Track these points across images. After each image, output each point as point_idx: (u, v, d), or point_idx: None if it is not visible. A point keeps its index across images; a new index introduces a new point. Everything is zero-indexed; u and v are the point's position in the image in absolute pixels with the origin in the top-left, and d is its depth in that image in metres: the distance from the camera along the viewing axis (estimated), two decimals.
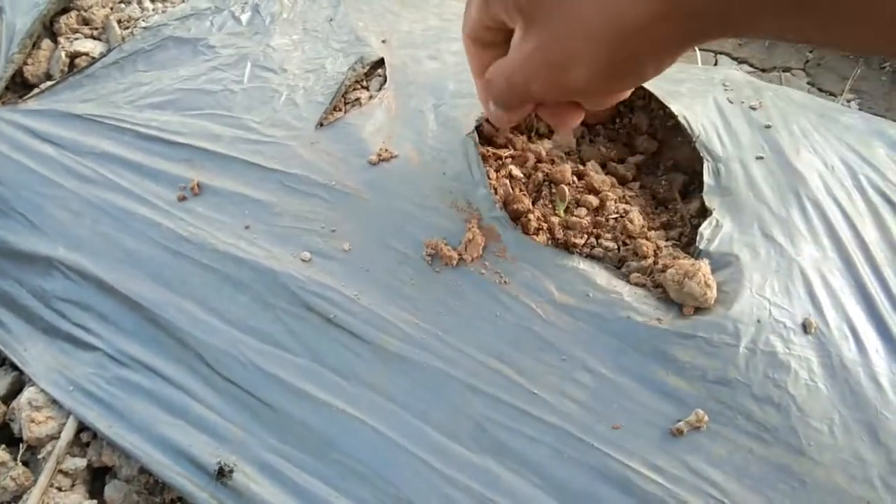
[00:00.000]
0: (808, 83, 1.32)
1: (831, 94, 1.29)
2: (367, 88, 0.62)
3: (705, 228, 0.49)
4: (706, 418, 0.42)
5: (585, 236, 0.51)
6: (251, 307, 0.51)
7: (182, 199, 0.56)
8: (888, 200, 0.50)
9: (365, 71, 0.63)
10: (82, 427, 0.53)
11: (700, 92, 0.56)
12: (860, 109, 1.28)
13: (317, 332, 0.49)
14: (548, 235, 0.52)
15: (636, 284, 0.47)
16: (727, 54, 1.36)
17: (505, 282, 0.49)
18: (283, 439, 0.48)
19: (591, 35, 0.31)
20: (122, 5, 0.73)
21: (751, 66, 1.35)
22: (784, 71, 1.33)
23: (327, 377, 0.48)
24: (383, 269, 0.51)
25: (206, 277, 0.53)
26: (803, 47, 1.35)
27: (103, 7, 0.73)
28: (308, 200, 0.54)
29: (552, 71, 0.34)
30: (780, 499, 0.41)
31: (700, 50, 1.38)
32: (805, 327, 0.44)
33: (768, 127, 0.53)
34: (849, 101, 1.29)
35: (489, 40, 0.40)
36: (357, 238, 0.52)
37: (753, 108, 0.54)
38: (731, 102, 0.56)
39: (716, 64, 1.33)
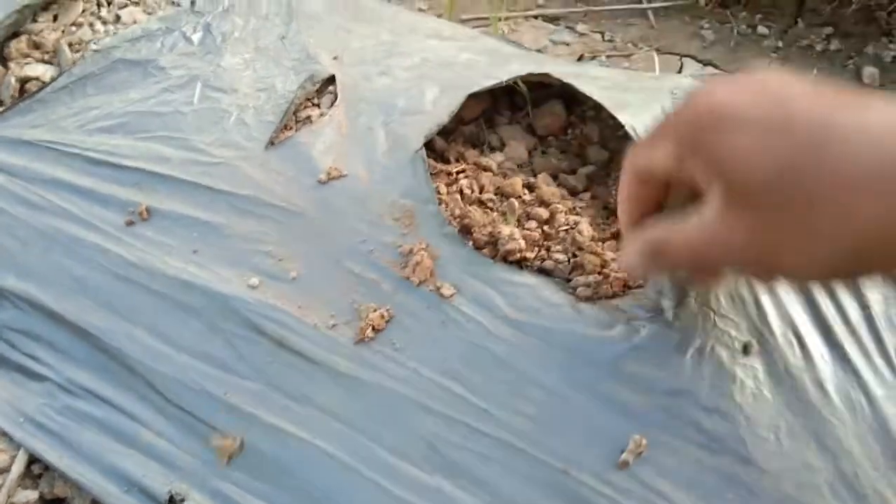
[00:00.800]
0: None
1: None
2: (318, 106, 0.62)
3: None
4: (644, 441, 0.42)
5: (536, 249, 0.51)
6: (201, 332, 0.51)
7: (130, 223, 0.56)
8: None
9: (316, 88, 0.62)
10: (34, 459, 0.52)
11: (648, 101, 0.56)
12: None
13: (268, 356, 0.49)
14: (497, 250, 0.52)
15: (585, 298, 0.47)
16: (692, 57, 1.37)
17: (454, 299, 0.49)
18: (235, 465, 0.47)
19: (835, 235, 0.28)
20: (74, 28, 0.72)
21: (715, 67, 1.36)
22: None
23: (279, 401, 0.48)
24: (334, 290, 0.51)
25: (156, 303, 0.52)
26: (768, 47, 1.36)
27: (54, 31, 0.73)
28: (258, 221, 0.54)
29: (765, 257, 0.31)
30: None
31: (665, 53, 1.39)
32: (746, 348, 0.44)
33: None
34: None
35: (657, 182, 0.37)
36: (308, 258, 0.52)
37: None
38: None
39: (681, 68, 1.34)
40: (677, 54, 1.40)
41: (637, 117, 0.56)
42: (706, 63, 1.38)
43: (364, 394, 0.47)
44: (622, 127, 0.56)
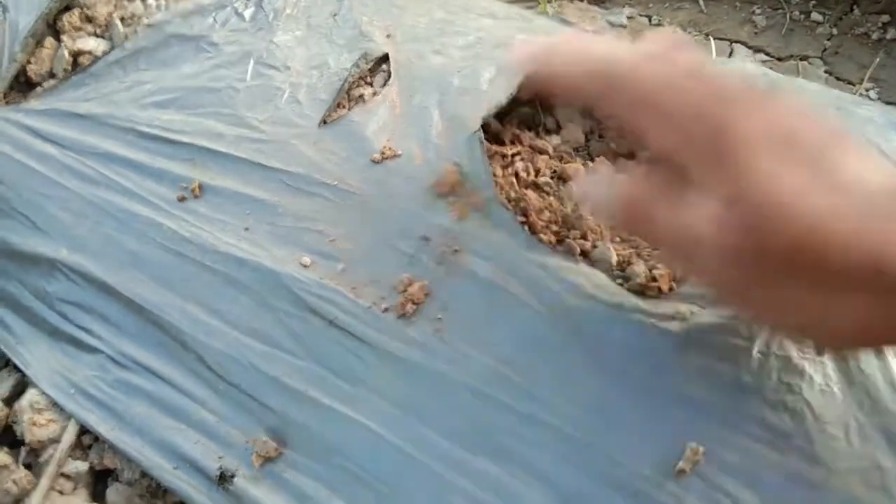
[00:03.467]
0: (826, 72, 1.29)
1: (849, 82, 1.26)
2: (371, 84, 0.61)
3: None
4: (701, 450, 0.41)
5: (593, 235, 0.50)
6: (253, 309, 0.50)
7: (182, 199, 0.56)
8: None
9: (369, 67, 0.62)
10: (84, 430, 0.52)
11: None
12: (879, 98, 1.25)
13: (319, 335, 0.49)
14: (554, 236, 0.50)
15: (636, 291, 0.46)
16: (743, 43, 1.33)
17: (508, 284, 0.48)
18: (286, 444, 0.47)
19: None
20: (126, 2, 0.72)
21: (767, 54, 1.32)
22: (801, 59, 1.31)
23: (330, 381, 0.48)
24: (386, 270, 0.50)
25: (208, 279, 0.52)
26: (822, 35, 1.31)
27: (107, 5, 0.73)
28: (310, 200, 0.54)
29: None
30: None
31: (715, 38, 1.35)
32: None
33: None
34: (867, 91, 1.26)
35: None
36: (360, 238, 0.51)
37: None
38: None
39: (731, 53, 1.31)
40: (728, 40, 1.37)
41: None
42: (757, 49, 1.35)
43: (416, 377, 0.46)
44: None
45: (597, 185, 0.41)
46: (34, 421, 0.52)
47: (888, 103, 1.25)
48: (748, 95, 0.32)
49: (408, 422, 0.46)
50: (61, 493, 0.50)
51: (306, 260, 0.51)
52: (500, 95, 0.55)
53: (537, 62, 0.39)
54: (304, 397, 0.47)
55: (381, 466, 0.45)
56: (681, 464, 0.40)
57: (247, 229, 0.53)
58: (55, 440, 0.52)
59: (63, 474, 0.51)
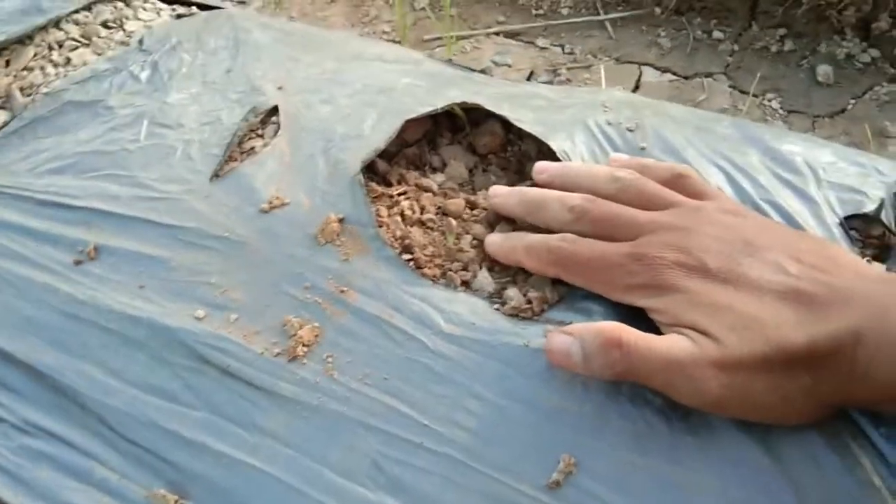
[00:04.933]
0: (730, 86, 1.36)
1: (754, 95, 1.33)
2: (262, 136, 0.63)
3: None
4: (573, 460, 0.43)
5: (473, 266, 0.53)
6: (149, 365, 0.52)
7: (78, 262, 0.57)
8: (756, 206, 0.52)
9: (260, 119, 0.64)
10: None
11: (581, 118, 0.58)
12: (781, 107, 1.32)
13: (214, 385, 0.50)
14: (438, 269, 0.53)
15: (510, 314, 0.49)
16: (650, 64, 1.40)
17: (393, 318, 0.50)
18: (186, 496, 0.48)
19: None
20: (25, 72, 0.74)
21: (674, 74, 1.38)
22: (706, 76, 1.37)
23: (226, 429, 0.49)
24: (277, 315, 0.52)
25: (105, 339, 0.53)
26: (724, 51, 1.38)
27: (6, 76, 0.74)
28: (202, 253, 0.55)
29: None
30: None
31: (623, 62, 1.41)
32: None
33: (643, 149, 0.56)
34: (770, 101, 1.33)
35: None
36: (250, 286, 0.53)
37: (630, 130, 0.56)
38: (611, 125, 0.58)
39: (640, 76, 1.37)
40: (636, 63, 1.43)
41: (570, 139, 0.57)
42: (664, 70, 1.41)
43: (309, 417, 0.48)
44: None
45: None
46: None
47: (790, 111, 1.32)
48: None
49: (304, 463, 0.47)
50: None
51: (200, 312, 0.53)
52: (380, 139, 0.58)
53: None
54: (202, 448, 0.49)
55: None
56: (554, 475, 0.43)
57: (141, 287, 0.55)
58: None
59: None
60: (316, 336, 0.51)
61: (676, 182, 0.49)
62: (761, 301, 0.40)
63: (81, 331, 0.54)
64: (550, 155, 0.60)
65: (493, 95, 0.62)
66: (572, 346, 0.43)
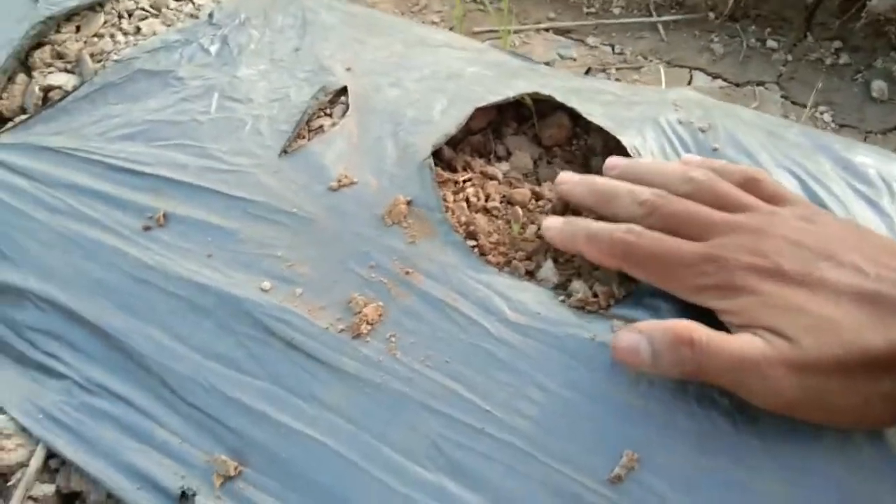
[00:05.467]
0: (782, 96, 1.34)
1: (804, 105, 1.31)
2: (330, 116, 0.64)
3: None
4: (636, 456, 0.43)
5: (537, 257, 0.53)
6: (215, 333, 0.52)
7: (147, 228, 0.58)
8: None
9: (328, 99, 0.64)
10: (51, 454, 0.54)
11: (651, 115, 0.58)
12: (833, 121, 1.30)
13: (278, 356, 0.51)
14: (502, 257, 0.53)
15: (576, 307, 0.49)
16: (702, 69, 1.38)
17: (458, 303, 0.50)
18: (246, 463, 0.49)
19: None
20: (96, 39, 0.75)
21: (725, 80, 1.37)
22: (758, 85, 1.36)
23: (288, 400, 0.50)
24: (342, 292, 0.52)
25: (172, 305, 0.54)
26: (777, 61, 1.36)
27: (77, 41, 0.75)
28: (270, 227, 0.56)
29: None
30: None
31: (675, 66, 1.40)
32: None
33: (715, 150, 0.55)
34: (822, 114, 1.31)
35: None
36: (317, 262, 0.54)
37: (703, 130, 0.56)
38: (682, 124, 0.57)
39: (690, 80, 1.36)
40: (687, 67, 1.42)
41: (640, 135, 0.57)
42: (715, 76, 1.40)
43: (371, 394, 0.49)
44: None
45: None
46: (2, 446, 0.53)
47: (842, 125, 1.30)
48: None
49: (363, 438, 0.48)
50: None
51: (266, 284, 0.53)
52: (450, 125, 0.58)
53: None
54: (263, 417, 0.49)
55: (337, 482, 0.47)
56: (616, 470, 0.43)
57: (209, 256, 0.55)
58: (23, 464, 0.54)
59: (31, 497, 0.52)
60: (380, 315, 0.51)
61: (751, 185, 0.49)
62: (838, 304, 0.40)
63: (149, 295, 0.55)
64: (618, 150, 0.59)
65: (559, 88, 0.62)
66: (641, 343, 0.43)
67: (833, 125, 1.30)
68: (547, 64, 0.68)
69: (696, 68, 1.41)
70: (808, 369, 0.39)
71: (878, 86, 1.33)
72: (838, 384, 0.38)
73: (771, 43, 1.44)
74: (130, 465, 0.50)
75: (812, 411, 0.40)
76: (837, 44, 1.42)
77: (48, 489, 0.53)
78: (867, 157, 0.57)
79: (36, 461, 0.54)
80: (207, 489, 0.48)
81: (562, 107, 0.62)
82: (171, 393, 0.52)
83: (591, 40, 1.45)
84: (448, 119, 0.59)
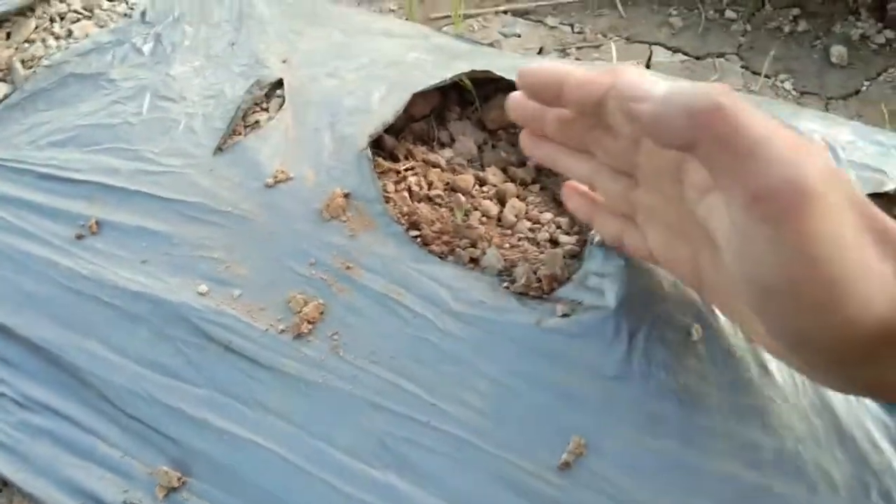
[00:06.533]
0: (742, 67, 1.33)
1: (766, 76, 1.31)
2: (266, 110, 0.62)
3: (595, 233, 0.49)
4: (583, 441, 0.42)
5: (482, 244, 0.51)
6: (151, 341, 0.51)
7: (80, 237, 0.56)
8: None
9: (264, 93, 0.63)
10: None
11: None
12: (794, 88, 1.30)
13: (216, 361, 0.49)
14: (446, 246, 0.52)
15: (519, 292, 0.48)
16: (662, 44, 1.37)
17: (401, 296, 0.49)
18: (189, 473, 0.47)
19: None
20: (27, 45, 0.72)
21: (685, 54, 1.36)
22: (718, 56, 1.35)
23: (229, 406, 0.48)
24: (282, 292, 0.51)
25: (106, 314, 0.52)
26: (736, 31, 1.36)
27: (7, 48, 0.73)
28: (205, 228, 0.54)
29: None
30: (675, 491, 0.41)
31: (635, 41, 1.39)
32: (689, 332, 0.44)
33: None
34: (783, 82, 1.30)
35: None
36: (255, 262, 0.52)
37: None
38: None
39: (650, 56, 1.34)
40: (647, 42, 1.40)
41: None
42: (675, 50, 1.39)
43: (314, 395, 0.47)
44: None
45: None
46: None
47: (802, 93, 1.29)
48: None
49: (309, 441, 0.46)
50: None
51: (203, 288, 0.52)
52: (388, 113, 0.57)
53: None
54: (204, 425, 0.48)
55: (282, 487, 0.45)
56: (564, 456, 0.42)
57: (144, 262, 0.54)
58: None
59: None
60: (321, 313, 0.50)
61: None
62: None
63: (83, 306, 0.53)
64: None
65: (503, 68, 0.61)
66: (654, 85, 0.31)
67: (794, 93, 1.29)
68: (491, 45, 0.67)
69: (655, 43, 1.40)
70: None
71: (838, 51, 1.33)
72: None
73: (729, 13, 1.43)
74: (71, 482, 0.49)
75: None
76: (795, 11, 1.42)
77: None
78: (813, 123, 0.56)
79: None
80: (151, 502, 0.47)
81: (505, 89, 0.60)
82: (110, 405, 0.50)
83: (550, 20, 1.44)
84: (387, 107, 0.58)
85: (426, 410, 0.46)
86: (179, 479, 0.47)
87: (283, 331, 0.49)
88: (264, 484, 0.46)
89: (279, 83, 0.63)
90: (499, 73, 0.57)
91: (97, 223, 0.56)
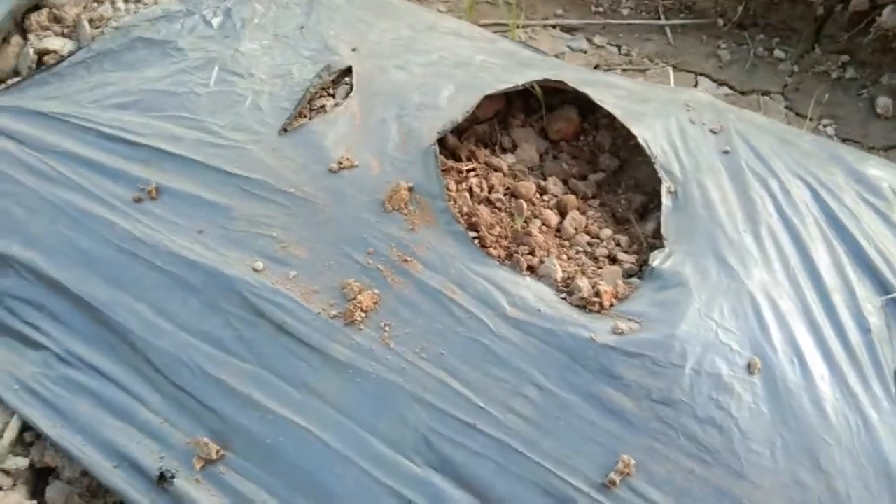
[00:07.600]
0: (787, 107, 1.33)
1: (810, 119, 1.30)
2: (333, 96, 0.62)
3: (658, 252, 0.49)
4: (632, 462, 0.42)
5: (541, 252, 0.51)
6: (202, 311, 0.51)
7: (138, 199, 0.56)
8: (841, 226, 0.51)
9: (332, 79, 0.63)
10: (26, 427, 0.52)
11: (663, 112, 0.56)
12: (836, 134, 1.29)
13: (267, 339, 0.49)
14: (503, 251, 0.52)
15: (579, 305, 0.48)
16: (707, 75, 1.37)
17: (456, 295, 0.49)
18: (228, 447, 0.47)
19: None
20: (95, 4, 0.73)
21: (730, 88, 1.35)
22: (763, 94, 1.34)
23: (275, 385, 0.48)
24: (337, 278, 0.51)
25: (159, 280, 0.52)
26: (783, 71, 1.36)
27: (76, 6, 0.73)
28: (266, 206, 0.54)
29: None
30: None
31: (681, 70, 1.39)
32: (749, 366, 0.44)
33: (726, 152, 0.54)
34: (825, 126, 1.30)
35: None
36: (313, 245, 0.52)
37: (714, 132, 0.55)
38: (693, 123, 0.56)
39: (696, 86, 1.34)
40: (693, 72, 1.40)
41: (651, 130, 0.56)
42: (721, 83, 1.38)
43: (362, 384, 0.47)
44: (634, 137, 0.56)
45: None
46: None
47: (845, 139, 1.29)
48: None
49: (351, 428, 0.46)
50: (0, 489, 0.50)
51: (258, 264, 0.52)
52: (457, 112, 0.57)
53: None
54: (248, 401, 0.48)
55: (321, 472, 0.45)
56: (611, 475, 0.42)
57: (200, 232, 0.54)
58: None
59: (3, 470, 0.51)
60: (375, 303, 0.50)
61: None
62: None
63: (136, 268, 0.53)
64: (626, 148, 0.58)
65: (571, 80, 0.61)
66: None
67: (836, 139, 1.29)
68: (557, 57, 0.67)
69: (701, 74, 1.39)
70: None
71: (884, 102, 1.32)
72: None
73: (778, 52, 1.42)
74: (108, 443, 0.49)
75: None
76: (845, 57, 1.41)
77: (21, 463, 0.51)
78: (880, 171, 0.56)
79: (10, 433, 0.52)
80: (187, 471, 0.47)
81: (571, 101, 0.61)
82: (154, 371, 0.50)
83: (597, 39, 1.44)
84: (455, 106, 0.58)
85: (473, 413, 0.46)
86: (218, 451, 0.47)
87: (335, 316, 0.49)
88: (304, 466, 0.46)
89: (348, 70, 0.63)
90: (573, 86, 0.57)
91: (157, 188, 0.56)
